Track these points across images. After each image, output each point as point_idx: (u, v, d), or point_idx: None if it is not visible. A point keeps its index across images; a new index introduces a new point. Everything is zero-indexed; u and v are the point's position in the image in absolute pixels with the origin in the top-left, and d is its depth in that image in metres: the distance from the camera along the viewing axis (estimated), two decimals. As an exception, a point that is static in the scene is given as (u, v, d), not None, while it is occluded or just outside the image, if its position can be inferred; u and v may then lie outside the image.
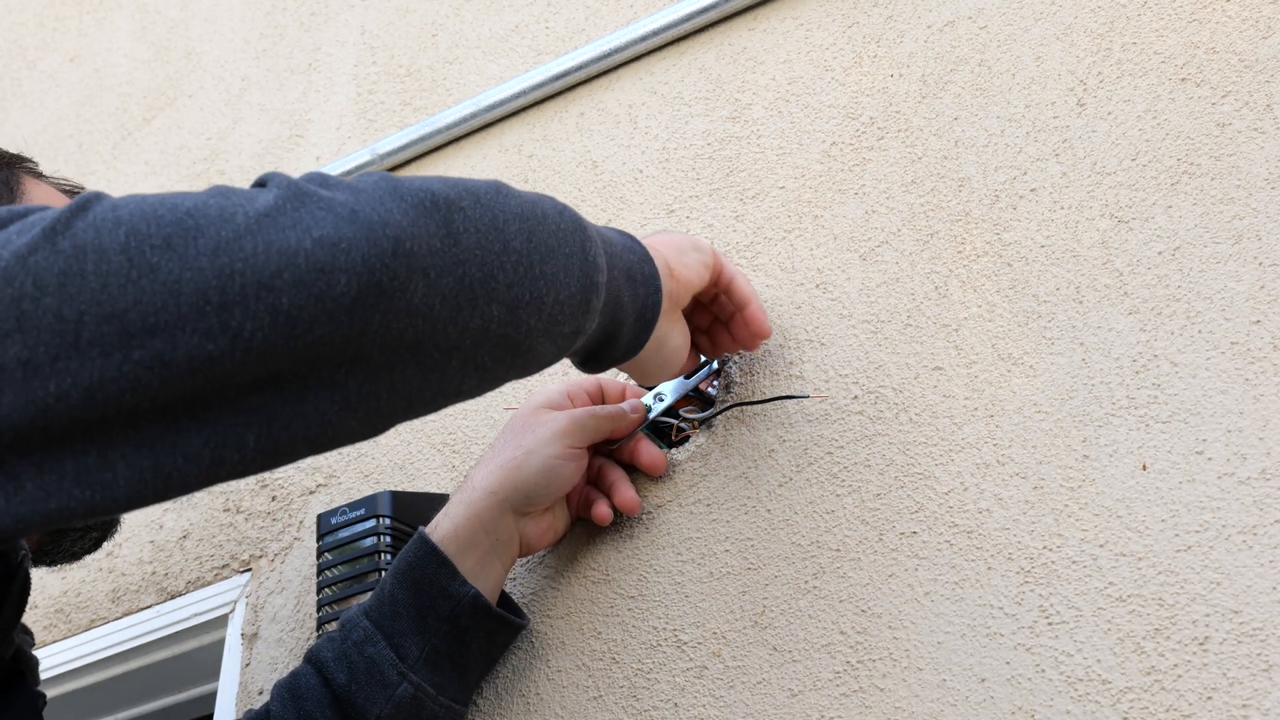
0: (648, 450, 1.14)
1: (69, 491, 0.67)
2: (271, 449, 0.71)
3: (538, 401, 1.12)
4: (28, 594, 1.03)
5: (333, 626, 1.19)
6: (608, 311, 0.90)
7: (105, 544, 1.20)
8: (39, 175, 1.15)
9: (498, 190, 0.82)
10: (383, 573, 1.18)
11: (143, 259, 0.67)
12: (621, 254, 0.93)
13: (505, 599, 1.13)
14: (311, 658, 1.09)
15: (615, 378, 1.21)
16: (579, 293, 0.85)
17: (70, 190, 1.17)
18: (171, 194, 0.72)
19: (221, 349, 0.68)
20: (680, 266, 1.01)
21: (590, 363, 0.95)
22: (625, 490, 1.13)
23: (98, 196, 0.70)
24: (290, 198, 0.72)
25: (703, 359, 1.17)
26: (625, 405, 1.14)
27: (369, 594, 1.18)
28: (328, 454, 1.40)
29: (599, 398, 1.15)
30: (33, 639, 1.12)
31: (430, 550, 1.07)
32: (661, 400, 1.15)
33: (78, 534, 1.16)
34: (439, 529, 1.08)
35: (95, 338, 0.66)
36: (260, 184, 0.75)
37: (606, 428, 1.12)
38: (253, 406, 0.70)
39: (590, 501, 1.14)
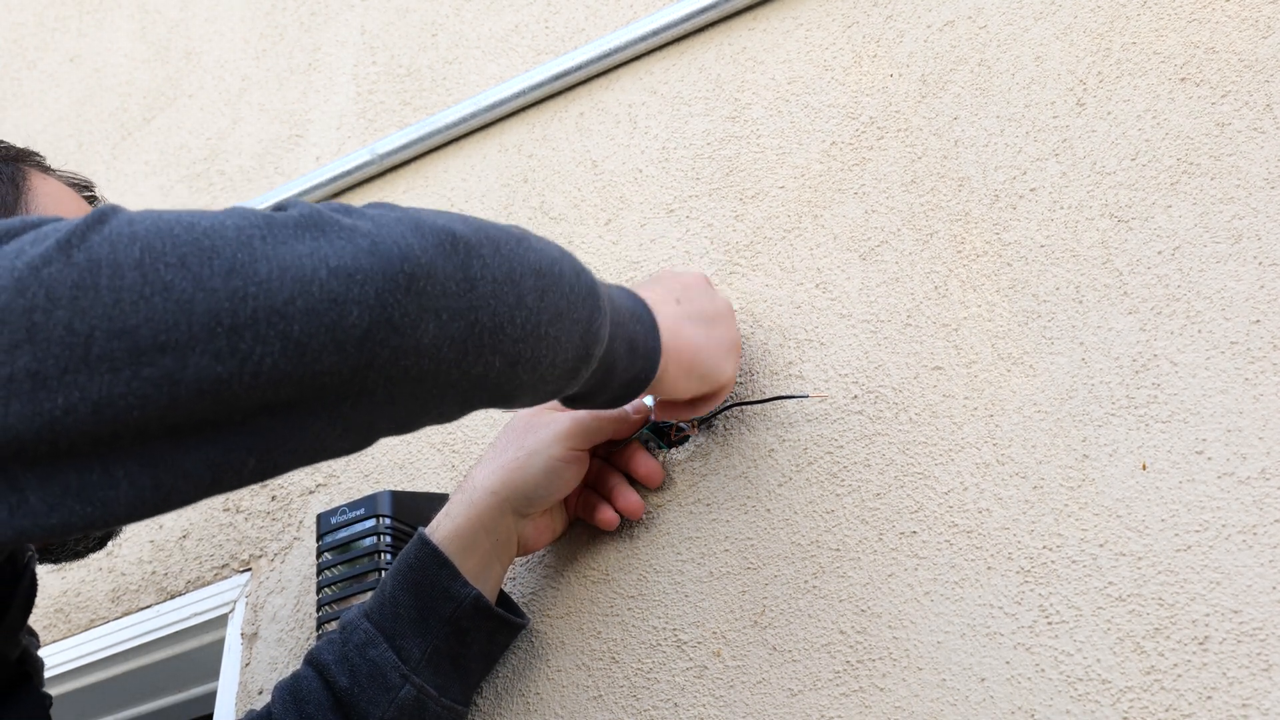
0: (645, 461, 1.13)
1: (70, 506, 0.67)
2: (270, 468, 0.72)
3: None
4: (34, 595, 1.03)
5: (333, 626, 1.19)
6: (595, 378, 0.90)
7: (109, 543, 1.20)
8: (47, 170, 1.14)
9: (519, 241, 0.82)
10: (382, 573, 1.18)
11: (157, 276, 0.67)
12: (627, 322, 0.93)
13: (504, 598, 1.13)
14: (312, 660, 1.09)
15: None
16: (573, 360, 0.85)
17: (78, 184, 1.17)
18: (189, 211, 0.72)
19: (230, 371, 0.68)
20: (680, 383, 1.02)
21: (564, 404, 0.95)
22: (628, 494, 1.13)
23: (114, 210, 0.70)
24: (310, 225, 0.72)
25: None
26: (627, 406, 1.13)
27: (369, 594, 1.17)
28: (328, 454, 1.40)
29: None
30: (38, 641, 1.12)
31: (431, 551, 1.06)
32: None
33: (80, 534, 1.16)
34: (439, 530, 1.08)
35: (105, 353, 0.66)
36: (280, 208, 0.75)
37: (609, 429, 1.11)
38: (256, 429, 0.70)
39: (592, 506, 1.14)
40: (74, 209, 1.12)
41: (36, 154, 1.15)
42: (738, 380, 1.15)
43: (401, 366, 0.73)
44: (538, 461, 1.08)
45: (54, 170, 1.16)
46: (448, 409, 0.79)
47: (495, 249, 0.79)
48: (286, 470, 0.74)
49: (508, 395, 0.82)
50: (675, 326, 1.00)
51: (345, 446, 0.75)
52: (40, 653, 1.48)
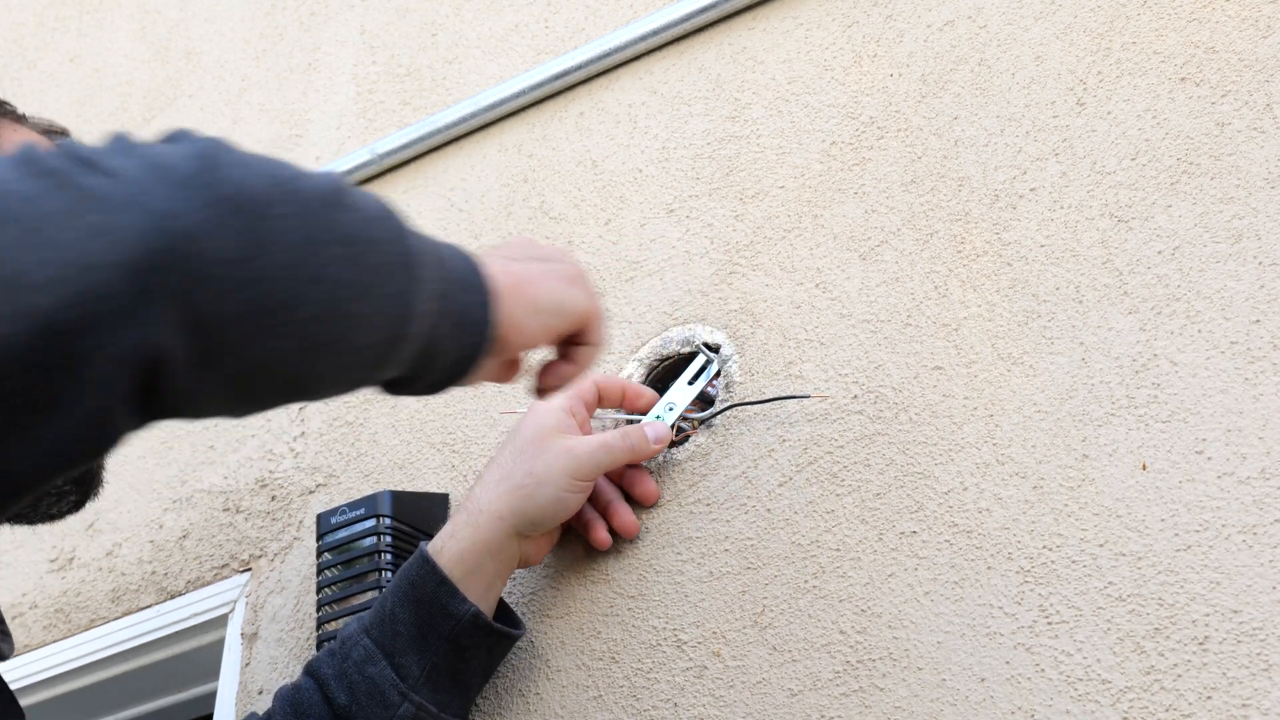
0: (643, 480, 1.13)
1: None
2: (63, 468, 0.64)
3: (545, 422, 1.09)
4: None
5: (333, 626, 1.19)
6: (420, 358, 0.78)
7: (87, 503, 1.16)
8: (19, 119, 1.10)
9: (328, 201, 0.71)
10: (383, 572, 1.18)
11: None
12: (458, 293, 0.80)
13: (501, 606, 1.13)
14: (313, 672, 1.08)
15: (619, 373, 1.20)
16: (385, 341, 0.74)
17: (53, 131, 1.12)
18: None
19: None
20: (528, 323, 0.86)
21: (383, 389, 0.82)
22: (625, 513, 1.12)
23: None
24: (65, 176, 0.62)
25: (703, 358, 1.17)
26: (649, 434, 1.11)
27: (369, 594, 1.17)
28: (327, 453, 1.40)
29: (594, 404, 1.14)
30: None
31: (430, 569, 1.06)
32: (673, 409, 1.14)
33: (54, 497, 1.12)
34: (445, 552, 1.07)
35: None
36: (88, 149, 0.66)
37: (624, 459, 1.10)
38: (30, 431, 0.61)
39: (587, 522, 1.13)
40: None
41: (7, 103, 1.10)
42: (738, 381, 1.15)
43: (180, 345, 0.63)
44: (546, 492, 1.06)
45: (27, 119, 1.11)
46: (234, 406, 0.71)
47: (300, 208, 0.68)
48: (78, 466, 0.65)
49: (305, 388, 0.73)
50: (506, 267, 0.87)
51: (130, 430, 0.66)
52: (41, 653, 1.48)
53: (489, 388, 1.31)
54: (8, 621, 1.08)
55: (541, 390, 0.93)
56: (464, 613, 1.05)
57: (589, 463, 1.07)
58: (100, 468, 1.14)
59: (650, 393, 1.17)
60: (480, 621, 1.06)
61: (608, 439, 1.09)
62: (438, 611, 1.05)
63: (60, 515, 1.14)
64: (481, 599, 1.07)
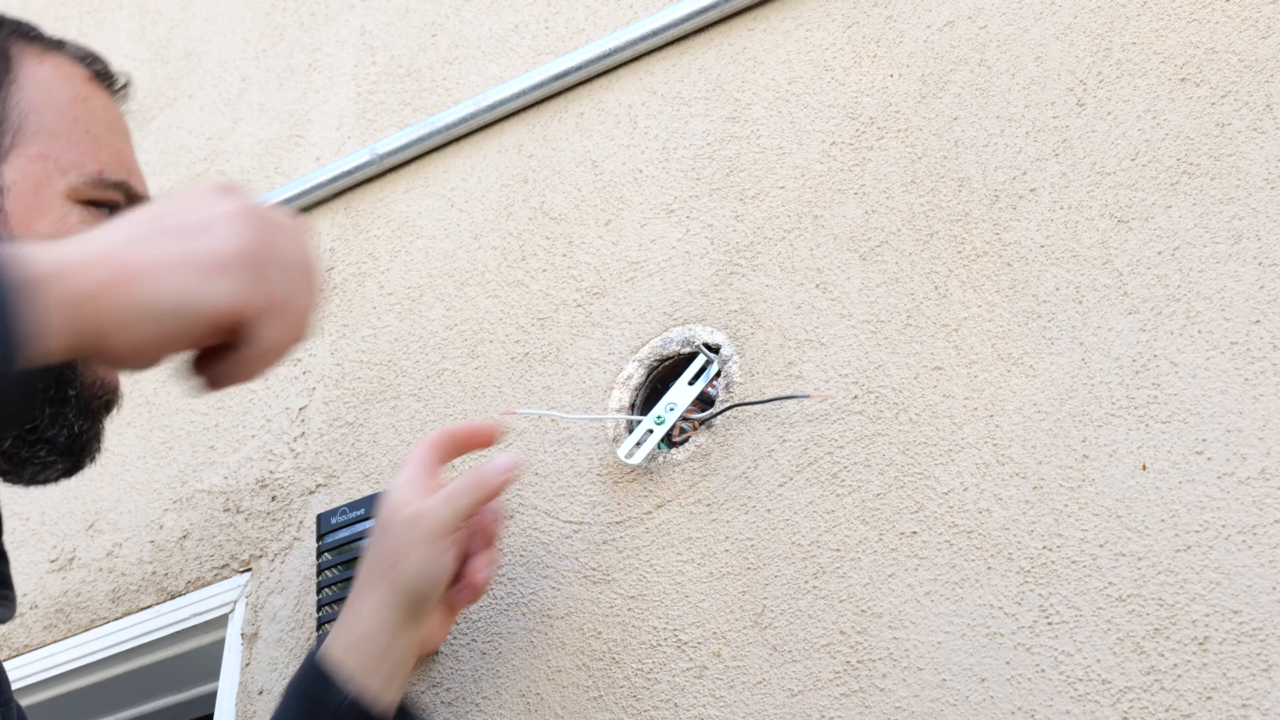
0: (492, 512, 1.09)
1: None
2: None
3: (393, 500, 1.05)
4: None
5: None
6: None
7: (84, 469, 1.13)
8: (53, 45, 1.00)
9: None
10: (382, 573, 1.18)
11: None
12: None
13: (404, 703, 1.08)
14: None
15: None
16: None
17: (85, 56, 1.03)
18: None
19: None
20: (131, 333, 0.69)
21: None
22: (478, 568, 1.07)
23: None
24: None
25: (703, 359, 1.17)
26: (495, 466, 1.06)
27: None
28: (327, 453, 1.40)
29: (442, 458, 1.08)
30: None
31: (311, 664, 1.05)
32: (673, 409, 1.14)
33: (39, 465, 1.09)
34: (332, 647, 1.04)
35: None
36: None
37: (475, 499, 1.05)
38: None
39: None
40: (68, 97, 1.00)
41: (34, 27, 0.99)
42: (738, 381, 1.15)
43: None
44: (412, 563, 1.02)
45: (65, 44, 1.00)
46: None
47: None
48: None
49: None
50: (114, 254, 0.69)
51: None
52: (41, 653, 1.48)
53: (490, 388, 1.31)
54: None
55: (210, 384, 0.75)
56: (340, 701, 1.02)
57: (438, 517, 1.03)
58: (95, 435, 1.12)
59: (489, 425, 1.12)
60: (358, 709, 1.02)
61: (451, 487, 1.04)
62: (317, 704, 1.03)
63: (50, 480, 1.11)
64: (382, 691, 1.03)
